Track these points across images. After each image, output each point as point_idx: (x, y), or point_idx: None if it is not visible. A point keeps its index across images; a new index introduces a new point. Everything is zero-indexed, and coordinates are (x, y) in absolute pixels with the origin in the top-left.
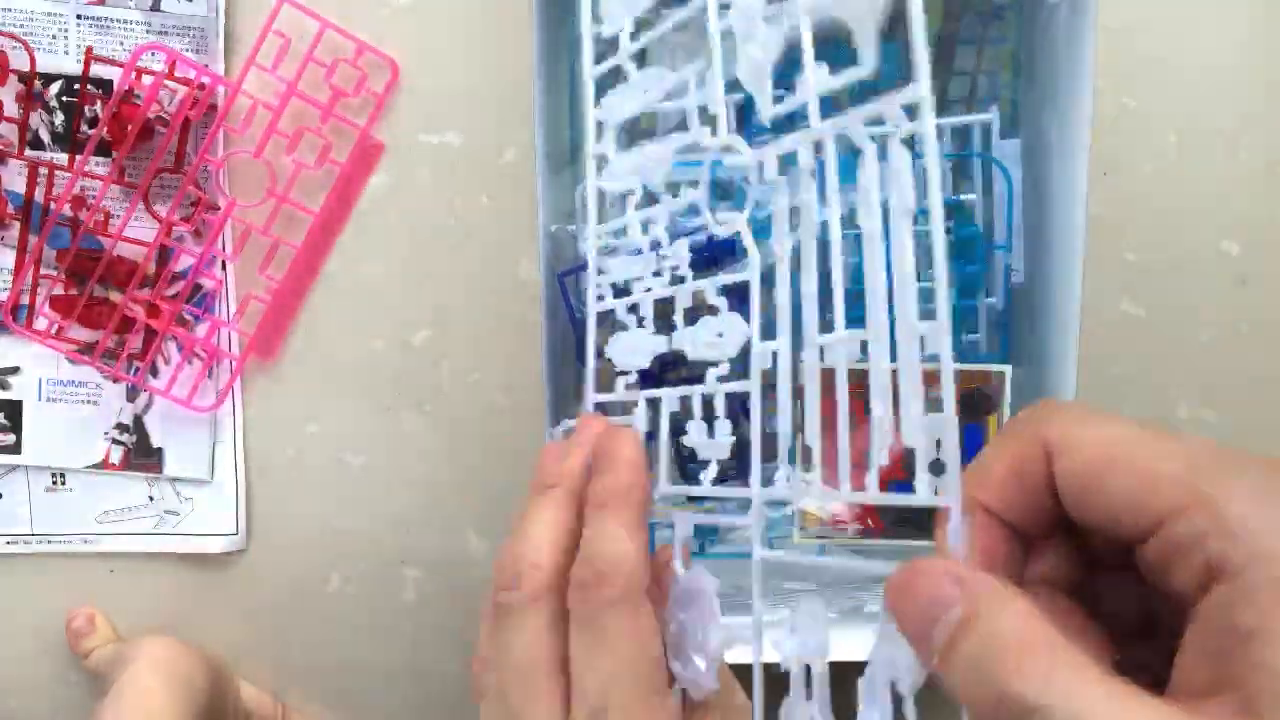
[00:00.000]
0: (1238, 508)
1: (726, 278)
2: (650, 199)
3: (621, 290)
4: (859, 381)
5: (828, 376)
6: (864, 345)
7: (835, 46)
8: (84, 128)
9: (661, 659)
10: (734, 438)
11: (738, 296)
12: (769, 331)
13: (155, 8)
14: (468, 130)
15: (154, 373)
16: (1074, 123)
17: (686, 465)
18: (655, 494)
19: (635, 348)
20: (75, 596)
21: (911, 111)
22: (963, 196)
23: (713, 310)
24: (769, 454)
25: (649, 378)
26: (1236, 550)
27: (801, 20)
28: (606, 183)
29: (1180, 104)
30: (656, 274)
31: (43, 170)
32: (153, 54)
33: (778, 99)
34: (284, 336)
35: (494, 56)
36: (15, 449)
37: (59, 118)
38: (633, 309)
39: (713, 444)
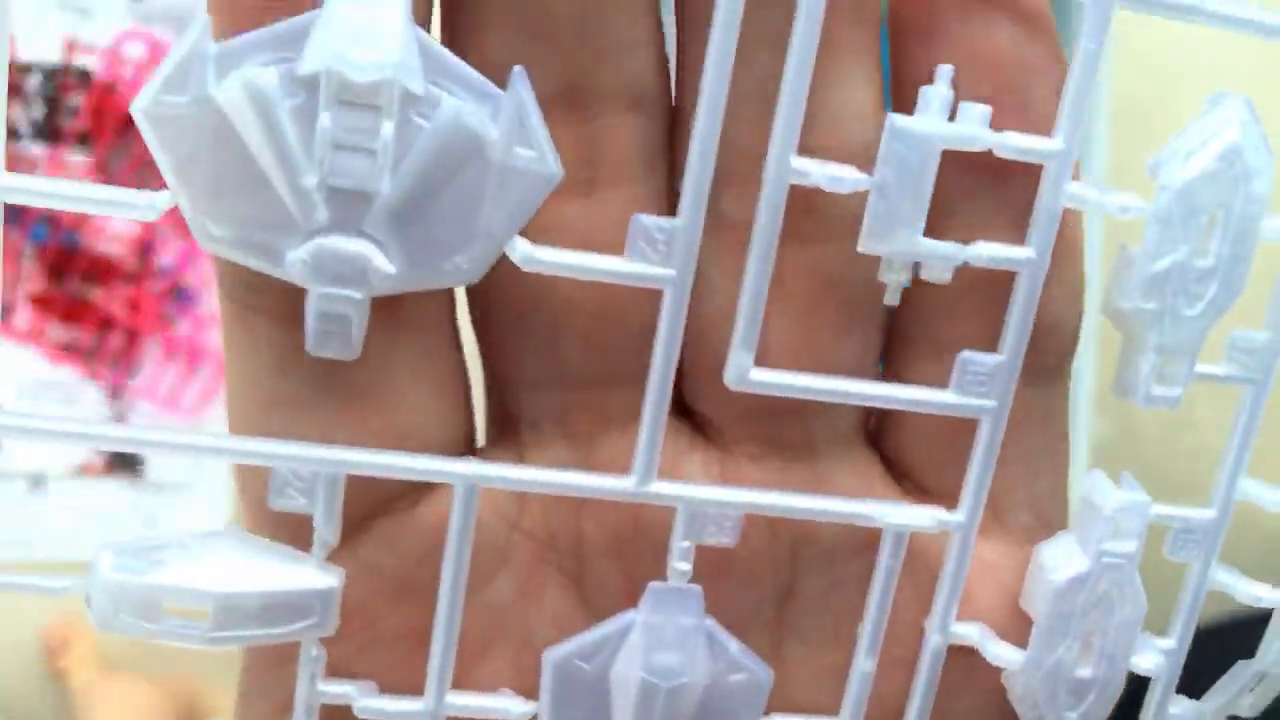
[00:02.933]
0: None
1: None
2: None
3: None
4: None
5: None
6: None
7: None
8: (65, 119)
9: None
10: None
11: None
12: None
13: None
14: None
15: (136, 373)
16: (1091, 113)
17: None
18: None
19: None
20: (54, 608)
21: None
22: None
23: None
24: None
25: None
26: None
27: None
28: None
29: (1199, 94)
30: None
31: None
32: (135, 42)
33: None
34: None
35: None
36: None
37: (38, 109)
38: None
39: None
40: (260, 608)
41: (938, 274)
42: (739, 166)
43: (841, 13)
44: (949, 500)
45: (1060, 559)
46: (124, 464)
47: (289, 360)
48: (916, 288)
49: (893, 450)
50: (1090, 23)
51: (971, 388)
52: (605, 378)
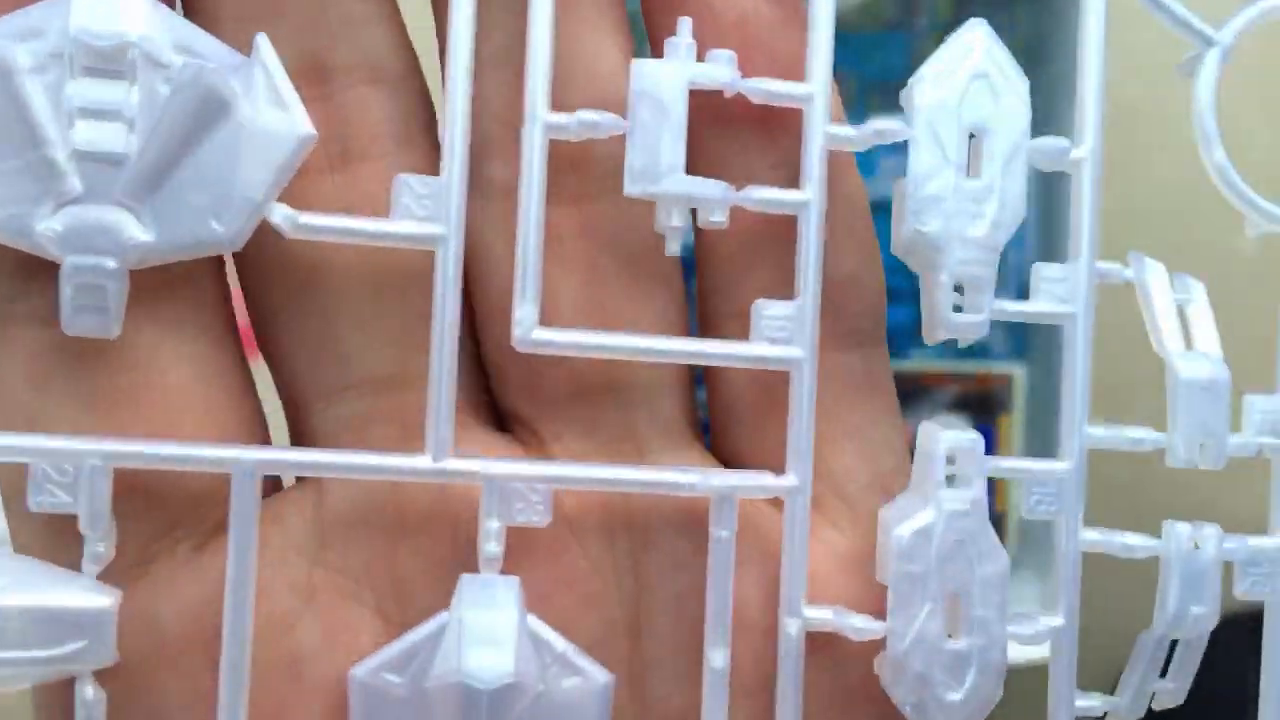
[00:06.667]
0: None
1: None
2: None
3: None
4: None
5: None
6: None
7: None
8: None
9: None
10: None
11: None
12: None
13: None
14: None
15: None
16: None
17: None
18: None
19: None
20: None
21: None
22: None
23: None
24: None
25: None
26: None
27: None
28: None
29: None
30: None
31: None
32: None
33: None
34: None
35: None
36: None
37: None
38: None
39: None
40: (22, 625)
41: (713, 218)
42: (498, 132)
43: None
44: None
45: (903, 514)
46: None
47: (48, 370)
48: (711, 253)
49: (727, 452)
50: None
51: (772, 335)
52: (398, 379)
